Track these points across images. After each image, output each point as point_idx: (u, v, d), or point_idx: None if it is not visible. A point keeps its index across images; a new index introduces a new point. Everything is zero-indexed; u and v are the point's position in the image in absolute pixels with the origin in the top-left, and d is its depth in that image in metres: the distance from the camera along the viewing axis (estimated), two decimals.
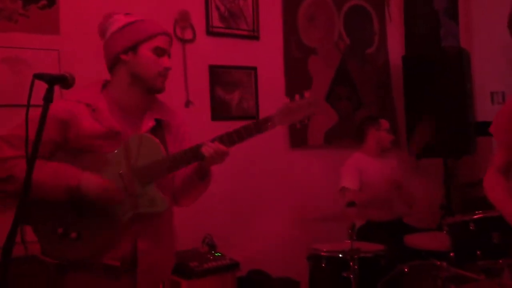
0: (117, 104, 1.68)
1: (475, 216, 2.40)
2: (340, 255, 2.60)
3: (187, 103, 3.31)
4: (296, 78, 3.82)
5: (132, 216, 1.61)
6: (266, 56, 3.69)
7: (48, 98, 1.39)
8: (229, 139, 1.65)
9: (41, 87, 1.39)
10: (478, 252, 2.36)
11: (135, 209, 1.60)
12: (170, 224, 1.80)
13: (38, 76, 1.42)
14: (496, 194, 1.60)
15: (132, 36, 1.66)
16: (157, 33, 1.69)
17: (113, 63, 1.69)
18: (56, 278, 1.65)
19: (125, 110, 1.68)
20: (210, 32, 3.43)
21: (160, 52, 1.69)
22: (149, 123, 1.69)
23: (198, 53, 3.37)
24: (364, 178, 3.33)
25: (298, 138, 3.80)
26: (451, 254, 2.45)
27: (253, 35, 3.63)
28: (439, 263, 2.42)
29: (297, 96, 1.68)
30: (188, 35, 3.35)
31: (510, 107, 1.55)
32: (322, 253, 2.68)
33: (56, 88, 1.49)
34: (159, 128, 1.71)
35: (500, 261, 2.23)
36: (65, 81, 1.48)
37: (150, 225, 1.67)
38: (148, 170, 1.60)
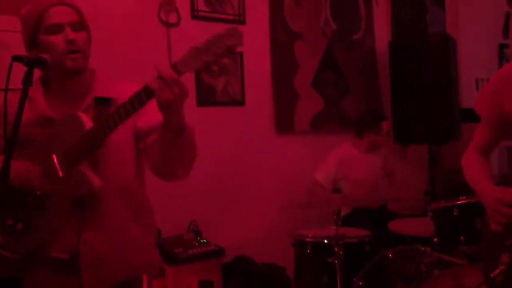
0: (57, 92, 1.57)
1: (458, 202, 2.42)
2: (325, 241, 2.61)
3: None
4: (282, 63, 3.79)
5: (70, 203, 1.49)
6: (252, 41, 3.65)
7: (28, 81, 1.35)
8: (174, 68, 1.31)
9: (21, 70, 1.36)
10: (461, 238, 2.38)
11: (66, 194, 1.47)
12: (125, 213, 1.57)
13: (16, 58, 1.37)
14: (472, 173, 1.55)
15: (25, 29, 1.52)
16: (43, 10, 1.48)
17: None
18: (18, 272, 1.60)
19: (65, 96, 1.56)
20: (195, 16, 3.38)
21: (55, 29, 1.48)
22: (87, 103, 1.54)
23: (183, 37, 3.32)
24: (351, 174, 3.34)
25: (284, 123, 3.79)
26: (435, 240, 2.47)
27: (239, 20, 3.58)
28: (422, 248, 2.44)
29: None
30: (172, 19, 3.29)
31: (494, 83, 1.52)
32: (308, 239, 2.69)
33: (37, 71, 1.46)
34: (105, 107, 1.53)
35: None
36: (45, 64, 1.43)
37: (93, 213, 1.51)
38: (73, 149, 1.46)
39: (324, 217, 3.04)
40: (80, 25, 1.52)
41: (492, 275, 1.38)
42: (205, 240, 3.00)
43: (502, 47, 4.87)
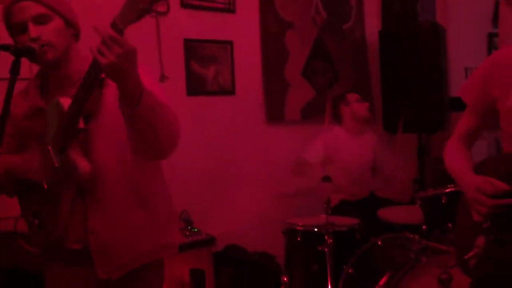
0: (50, 82, 1.56)
1: (446, 190, 2.44)
2: (316, 230, 2.63)
3: (162, 78, 3.26)
4: (273, 53, 3.79)
5: (74, 192, 1.47)
6: (243, 30, 3.64)
7: (15, 70, 1.34)
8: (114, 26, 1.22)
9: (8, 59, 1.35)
10: (449, 225, 2.41)
11: (66, 182, 1.46)
12: (128, 198, 1.52)
13: (3, 47, 1.36)
14: (453, 162, 1.54)
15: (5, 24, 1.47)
16: (9, 8, 1.44)
17: None
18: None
19: (57, 85, 1.54)
20: (185, 4, 3.36)
21: (20, 27, 1.44)
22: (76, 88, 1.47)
23: (173, 26, 3.30)
24: (335, 156, 3.35)
25: (275, 113, 3.79)
26: (423, 227, 2.50)
27: (229, 8, 3.56)
28: (411, 236, 2.47)
29: None
30: (162, 7, 3.27)
31: (482, 70, 1.51)
32: (298, 228, 2.71)
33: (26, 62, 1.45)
34: (98, 89, 1.46)
35: None
36: (33, 53, 1.41)
37: (96, 200, 1.49)
38: (58, 135, 1.44)
39: (315, 206, 3.06)
40: (46, 16, 1.45)
41: (466, 257, 1.38)
42: (196, 229, 3.01)
43: (491, 36, 4.90)
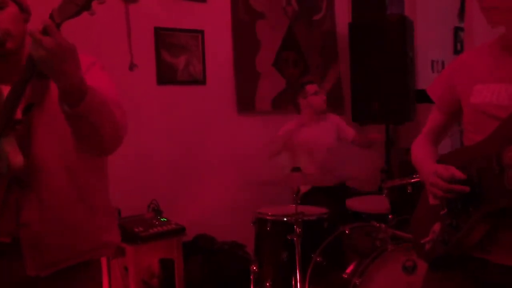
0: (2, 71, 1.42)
1: (412, 180, 2.51)
2: (285, 219, 2.66)
3: (131, 66, 3.22)
4: (244, 42, 3.78)
5: (6, 184, 1.37)
6: (213, 19, 3.62)
7: None
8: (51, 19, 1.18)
9: None
10: None
11: None
12: (67, 193, 1.43)
13: None
14: (416, 155, 1.59)
15: None
16: None
17: None
18: None
19: (9, 73, 1.40)
20: None
21: None
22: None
23: (143, 14, 3.25)
24: (300, 142, 3.40)
25: (245, 103, 3.80)
26: (390, 216, 2.56)
27: None
28: (378, 224, 2.53)
29: None
30: None
31: (451, 68, 1.56)
32: (268, 217, 2.73)
33: None
34: (46, 81, 1.35)
35: None
36: None
37: (32, 193, 1.38)
38: None
39: (284, 196, 3.09)
40: (1, 2, 1.35)
41: (422, 241, 1.45)
42: (165, 219, 3.00)
43: (457, 30, 5.01)
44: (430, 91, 1.61)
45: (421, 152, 1.59)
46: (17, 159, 1.33)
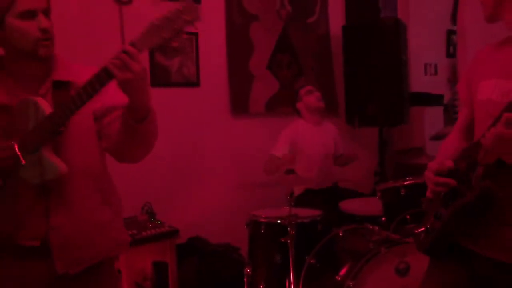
0: (12, 77, 1.51)
1: (405, 182, 2.52)
2: (279, 221, 2.66)
3: None
4: (238, 45, 3.79)
5: (36, 190, 1.47)
6: (207, 22, 3.61)
7: None
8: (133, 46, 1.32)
9: None
10: (407, 217, 2.49)
11: (31, 180, 1.45)
12: (93, 196, 1.56)
13: None
14: (440, 153, 1.63)
15: None
16: None
17: None
18: None
19: (22, 81, 1.51)
20: None
21: (28, 15, 1.43)
22: (46, 87, 1.51)
23: (136, 16, 3.24)
24: (299, 145, 3.42)
25: (239, 105, 3.80)
26: (383, 219, 2.57)
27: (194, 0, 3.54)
28: (371, 227, 2.54)
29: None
30: None
31: (470, 64, 1.59)
32: (261, 219, 2.73)
33: None
34: (63, 90, 1.50)
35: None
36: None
37: (61, 198, 1.49)
38: (33, 135, 1.43)
39: (278, 198, 3.09)
40: (49, 11, 1.49)
41: (416, 231, 1.54)
42: (159, 222, 2.99)
43: (450, 33, 5.04)
44: (459, 91, 1.64)
45: (442, 150, 1.63)
46: (62, 166, 1.44)
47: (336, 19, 4.37)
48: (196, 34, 3.54)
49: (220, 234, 3.39)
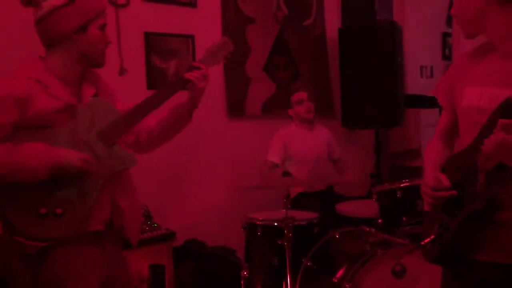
0: (58, 79, 1.66)
1: (401, 185, 2.53)
2: (275, 224, 2.66)
3: (121, 71, 3.21)
4: (234, 47, 3.77)
5: (103, 180, 1.65)
6: (204, 24, 3.62)
7: None
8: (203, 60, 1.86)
9: None
10: (404, 219, 2.50)
11: (110, 171, 1.66)
12: (133, 182, 1.84)
13: None
14: (425, 159, 1.65)
15: (83, 14, 1.64)
16: (103, 10, 1.71)
17: (57, 40, 1.64)
18: (36, 258, 1.60)
19: (65, 83, 1.67)
20: None
21: (103, 28, 1.70)
22: (90, 92, 1.73)
23: (133, 19, 3.25)
24: (290, 151, 3.45)
25: (236, 108, 3.80)
26: (379, 221, 2.58)
27: (190, 2, 3.54)
28: (367, 229, 2.54)
29: (212, 42, 1.98)
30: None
31: (451, 68, 1.59)
32: (258, 222, 2.74)
33: None
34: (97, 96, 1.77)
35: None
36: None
37: (121, 182, 1.73)
38: (109, 131, 1.66)
39: (275, 200, 3.09)
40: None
41: (422, 243, 1.52)
42: (156, 224, 2.98)
43: (445, 35, 5.07)
44: (435, 91, 1.63)
45: (427, 158, 1.63)
46: (133, 154, 1.73)
47: (332, 21, 4.38)
48: (192, 37, 3.55)
49: (217, 237, 3.39)
